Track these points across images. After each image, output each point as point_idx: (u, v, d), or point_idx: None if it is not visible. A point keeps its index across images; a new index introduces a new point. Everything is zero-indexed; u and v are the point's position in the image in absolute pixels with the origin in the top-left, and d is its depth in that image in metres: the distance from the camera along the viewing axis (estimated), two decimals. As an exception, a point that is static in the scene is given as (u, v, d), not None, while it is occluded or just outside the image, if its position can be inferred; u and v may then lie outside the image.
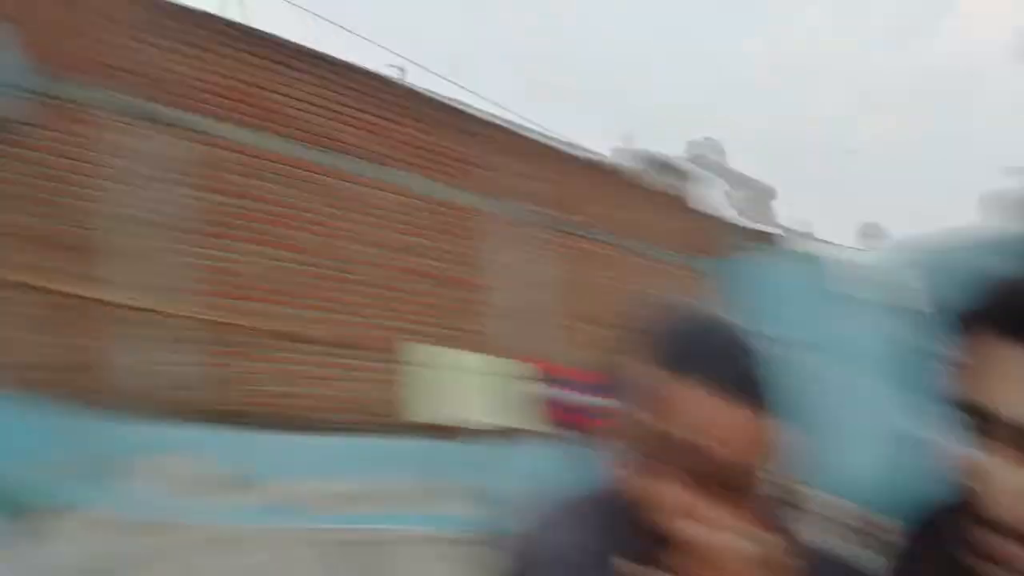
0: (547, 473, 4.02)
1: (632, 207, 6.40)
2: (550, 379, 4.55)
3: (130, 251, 3.90)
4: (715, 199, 8.20)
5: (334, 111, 4.68)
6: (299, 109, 4.54)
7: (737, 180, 9.37)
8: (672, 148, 8.69)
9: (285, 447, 3.95)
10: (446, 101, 5.60)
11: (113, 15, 3.97)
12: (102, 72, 3.94)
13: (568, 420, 4.39)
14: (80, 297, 3.64)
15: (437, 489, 4.08)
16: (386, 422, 4.39)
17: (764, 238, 7.70)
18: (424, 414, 4.15)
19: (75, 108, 3.93)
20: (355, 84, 4.81)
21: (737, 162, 9.65)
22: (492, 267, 5.24)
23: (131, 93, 3.99)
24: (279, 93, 4.46)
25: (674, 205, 7.00)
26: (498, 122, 5.91)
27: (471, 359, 4.39)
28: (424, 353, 4.22)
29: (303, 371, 4.35)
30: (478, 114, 5.78)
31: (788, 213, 9.81)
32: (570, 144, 6.62)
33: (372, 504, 3.95)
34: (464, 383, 4.27)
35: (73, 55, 3.92)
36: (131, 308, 3.63)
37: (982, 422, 0.39)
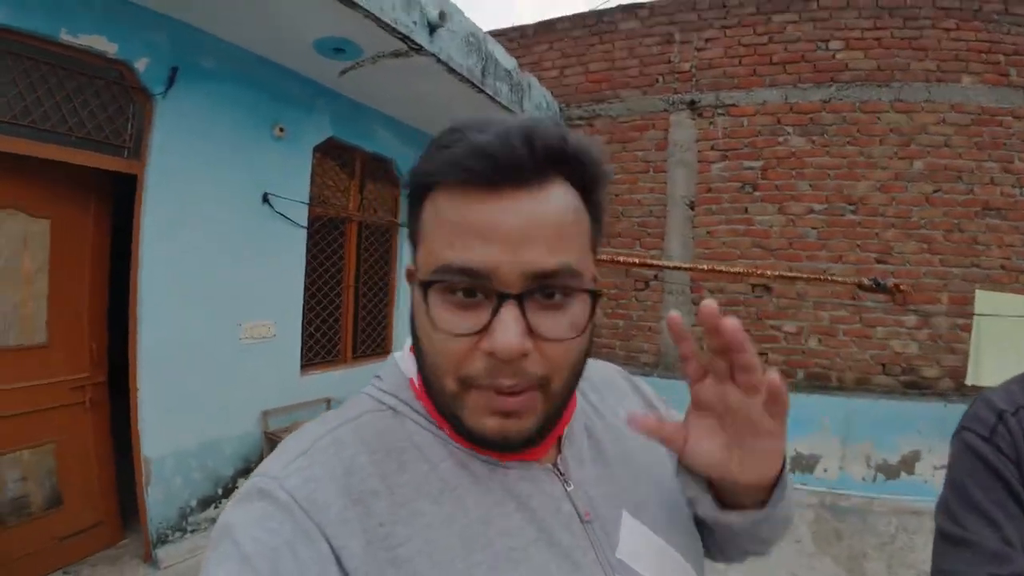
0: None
1: None
2: None
3: (665, 228, 4.55)
4: None
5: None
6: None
7: None
8: None
9: (817, 407, 3.85)
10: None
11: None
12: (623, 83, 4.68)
13: None
14: (644, 265, 4.20)
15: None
16: (934, 385, 3.91)
17: None
18: (988, 376, 3.29)
19: (599, 121, 4.75)
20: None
21: None
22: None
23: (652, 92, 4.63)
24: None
25: None
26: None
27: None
28: (992, 301, 3.35)
29: (847, 328, 4.06)
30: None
31: None
32: None
33: (882, 472, 3.76)
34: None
35: (588, 81, 4.80)
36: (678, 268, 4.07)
37: None
